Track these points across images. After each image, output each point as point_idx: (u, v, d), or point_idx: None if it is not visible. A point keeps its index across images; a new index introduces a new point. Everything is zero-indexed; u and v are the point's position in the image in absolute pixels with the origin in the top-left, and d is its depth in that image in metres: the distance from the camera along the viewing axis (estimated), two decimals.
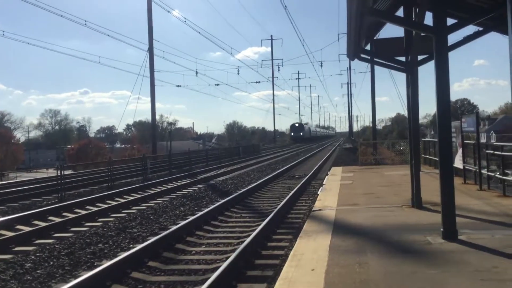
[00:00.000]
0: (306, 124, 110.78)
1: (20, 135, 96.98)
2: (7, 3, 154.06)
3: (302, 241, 7.08)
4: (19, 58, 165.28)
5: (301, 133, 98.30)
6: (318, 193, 12.99)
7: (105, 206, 13.50)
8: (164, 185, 19.03)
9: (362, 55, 10.42)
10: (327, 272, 5.39)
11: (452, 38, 10.42)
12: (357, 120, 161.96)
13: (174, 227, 9.27)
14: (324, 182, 15.52)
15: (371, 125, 40.94)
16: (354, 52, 10.01)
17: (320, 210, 9.81)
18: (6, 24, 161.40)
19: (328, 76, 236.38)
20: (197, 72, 45.70)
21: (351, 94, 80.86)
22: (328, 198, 11.38)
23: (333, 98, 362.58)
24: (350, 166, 22.71)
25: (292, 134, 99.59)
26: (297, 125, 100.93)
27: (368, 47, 10.65)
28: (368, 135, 67.78)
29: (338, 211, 9.50)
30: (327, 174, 18.63)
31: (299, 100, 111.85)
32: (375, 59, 10.88)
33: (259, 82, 69.33)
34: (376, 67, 31.65)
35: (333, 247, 6.57)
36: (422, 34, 8.53)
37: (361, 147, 27.83)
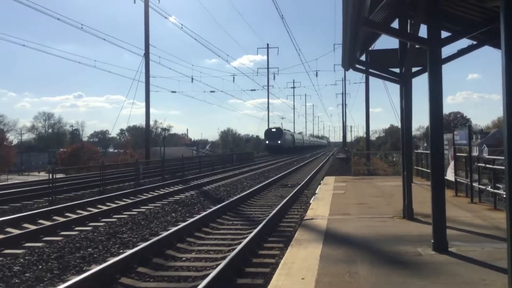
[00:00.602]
0: (288, 130, 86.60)
1: (12, 138, 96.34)
2: (3, 5, 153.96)
3: (293, 250, 7.07)
4: (14, 60, 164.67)
5: (279, 141, 74.60)
6: (311, 202, 12.98)
7: (96, 210, 13.41)
8: (156, 191, 18.95)
9: (357, 66, 10.48)
10: (317, 281, 5.38)
11: (446, 51, 10.52)
12: (351, 130, 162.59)
13: (165, 233, 9.22)
14: (316, 191, 15.52)
15: (365, 135, 41.12)
16: (349, 62, 10.06)
17: (312, 219, 9.80)
18: (1, 26, 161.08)
19: (323, 85, 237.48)
20: (192, 79, 45.72)
21: (345, 104, 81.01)
22: (320, 207, 11.38)
23: (328, 107, 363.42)
24: (343, 176, 22.75)
25: (267, 142, 77.02)
26: (273, 130, 76.84)
27: (363, 58, 10.72)
28: (362, 146, 68.14)
29: (330, 221, 9.50)
30: (320, 184, 18.63)
31: (293, 109, 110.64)
32: (370, 70, 10.94)
33: (255, 90, 69.74)
34: (371, 78, 31.87)
35: (324, 256, 6.56)
36: (417, 46, 8.60)
37: (354, 157, 27.99)
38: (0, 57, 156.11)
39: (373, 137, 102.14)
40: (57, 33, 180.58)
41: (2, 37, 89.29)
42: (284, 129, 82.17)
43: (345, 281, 5.37)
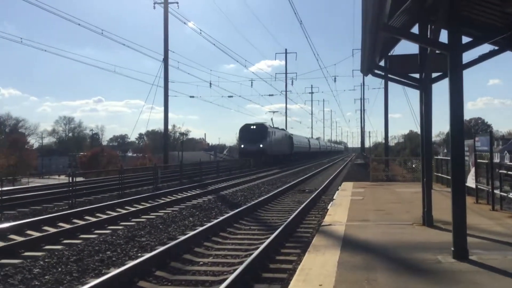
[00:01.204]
0: (281, 129, 58.74)
1: (34, 141, 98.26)
2: (25, 11, 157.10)
3: (311, 256, 7.03)
4: (35, 64, 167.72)
5: (261, 145, 47.57)
6: (328, 207, 12.91)
7: (115, 214, 13.56)
8: (174, 195, 19.06)
9: (376, 71, 10.42)
10: None
11: (467, 56, 10.38)
12: (369, 136, 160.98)
13: (183, 237, 9.28)
14: (334, 197, 15.44)
15: (383, 141, 40.75)
16: (368, 68, 10.01)
17: (329, 225, 9.75)
18: (24, 31, 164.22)
19: (342, 91, 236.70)
20: (210, 84, 45.78)
21: (364, 110, 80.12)
22: (338, 213, 11.31)
23: (346, 113, 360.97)
24: (361, 182, 22.57)
25: (242, 146, 50.02)
26: (253, 127, 49.60)
27: (382, 63, 10.65)
28: (380, 152, 67.46)
29: (348, 227, 9.43)
30: (337, 189, 18.52)
31: (311, 114, 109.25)
32: (389, 75, 10.87)
33: (272, 95, 68.83)
34: (390, 83, 31.62)
35: (342, 262, 6.51)
36: (437, 51, 8.51)
37: (372, 163, 27.75)
38: (22, 62, 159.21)
39: (391, 142, 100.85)
40: (77, 38, 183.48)
41: (24, 42, 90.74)
42: (273, 127, 54.77)
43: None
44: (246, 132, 49.60)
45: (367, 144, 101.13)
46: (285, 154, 58.28)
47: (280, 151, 55.16)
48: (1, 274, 7.24)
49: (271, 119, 63.31)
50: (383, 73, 11.09)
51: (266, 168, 41.56)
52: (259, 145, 47.57)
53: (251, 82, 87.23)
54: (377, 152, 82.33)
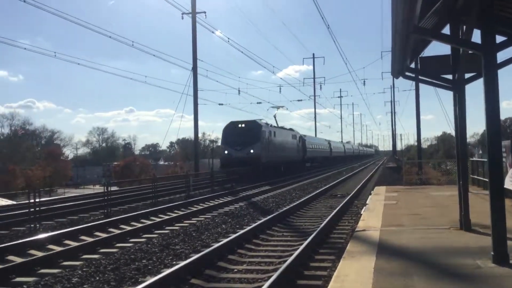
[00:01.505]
0: (284, 129, 44.82)
1: (68, 152, 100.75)
2: (58, 25, 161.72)
3: (346, 262, 6.96)
4: (69, 77, 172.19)
5: (252, 151, 34.82)
6: (361, 213, 12.77)
7: (149, 222, 13.75)
8: (206, 203, 19.20)
9: (407, 73, 10.26)
10: None
11: (501, 56, 10.14)
12: (401, 139, 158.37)
13: (216, 245, 9.33)
14: (367, 202, 15.25)
15: (415, 143, 40.03)
16: (398, 70, 9.88)
17: (363, 230, 9.63)
18: (57, 46, 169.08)
19: (371, 94, 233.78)
20: (239, 91, 45.93)
21: (394, 112, 78.76)
22: (371, 218, 11.17)
23: (376, 116, 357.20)
24: (394, 186, 22.22)
25: (225, 152, 35.85)
26: (241, 127, 36.07)
27: (413, 65, 10.51)
28: (413, 154, 66.16)
29: (383, 232, 9.30)
30: (370, 194, 18.29)
31: (341, 118, 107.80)
32: (420, 77, 10.69)
33: (301, 100, 68.93)
34: (421, 85, 31.09)
35: (378, 269, 6.42)
36: (470, 51, 8.34)
37: (405, 166, 27.25)
38: (55, 75, 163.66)
39: (424, 145, 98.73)
40: (108, 50, 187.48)
41: (58, 56, 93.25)
42: (276, 126, 41.71)
43: None
44: (231, 133, 35.42)
45: (398, 147, 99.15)
46: (293, 162, 44.16)
47: (283, 157, 40.99)
48: (41, 284, 7.42)
49: (274, 116, 44.75)
50: (414, 75, 10.92)
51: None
52: (249, 150, 34.19)
53: (279, 88, 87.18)
54: (410, 154, 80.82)
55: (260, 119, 39.28)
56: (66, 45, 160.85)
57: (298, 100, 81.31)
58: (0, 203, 21.76)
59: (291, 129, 46.86)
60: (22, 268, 8.40)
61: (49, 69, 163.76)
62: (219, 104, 50.73)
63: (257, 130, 35.50)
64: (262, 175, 33.08)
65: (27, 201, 15.97)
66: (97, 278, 7.78)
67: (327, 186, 26.11)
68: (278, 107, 46.54)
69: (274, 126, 40.71)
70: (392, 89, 75.36)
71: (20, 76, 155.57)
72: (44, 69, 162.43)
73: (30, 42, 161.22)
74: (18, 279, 7.94)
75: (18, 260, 9.15)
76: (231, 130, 35.90)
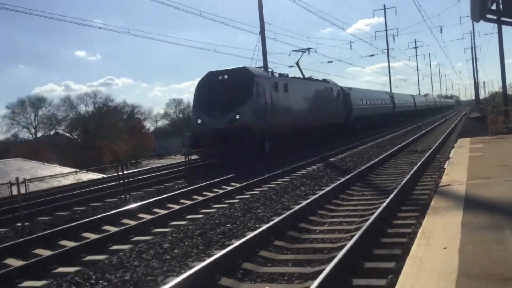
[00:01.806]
0: (308, 80, 30.38)
1: (149, 125, 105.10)
2: (129, 3, 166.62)
3: (430, 218, 6.79)
4: (142, 52, 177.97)
5: (237, 117, 20.25)
6: (445, 167, 12.28)
7: (230, 188, 14.17)
8: (285, 166, 19.28)
9: (488, 16, 9.56)
10: (461, 251, 5.11)
11: None
12: (484, 87, 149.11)
13: (297, 207, 9.44)
14: (450, 155, 14.63)
15: (501, 90, 37.47)
16: (479, 13, 9.22)
17: (448, 185, 9.29)
18: (130, 23, 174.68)
19: (449, 41, 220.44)
20: (309, 51, 45.22)
21: (476, 59, 74.17)
22: (456, 172, 10.72)
23: (456, 64, 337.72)
24: (479, 137, 21.06)
25: (198, 122, 21.54)
26: (222, 79, 21.48)
27: (494, 6, 9.74)
28: (498, 102, 62.07)
29: (469, 186, 8.91)
30: (453, 147, 17.52)
31: (417, 70, 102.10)
32: (503, 19, 9.93)
33: (373, 55, 66.55)
34: (505, 27, 28.81)
35: (466, 224, 6.19)
36: None
37: (490, 115, 25.75)
38: (130, 52, 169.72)
39: (510, 91, 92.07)
40: (177, 22, 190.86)
41: (131, 32, 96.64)
42: (278, 74, 26.33)
43: (492, 249, 5.03)
44: (208, 89, 21.92)
45: (482, 95, 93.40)
46: (329, 125, 30.83)
47: (308, 122, 27.39)
48: (135, 251, 7.95)
49: (297, 63, 32.54)
50: (496, 17, 10.14)
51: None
52: (232, 116, 20.79)
53: (350, 44, 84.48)
54: (495, 102, 75.80)
55: (260, 67, 26.77)
56: (137, 21, 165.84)
57: (370, 56, 78.30)
58: (92, 177, 23.30)
59: (325, 80, 34.09)
60: (117, 237, 9.03)
61: (123, 46, 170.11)
62: (289, 67, 50.18)
63: (248, 82, 21.48)
64: (264, 154, 21.72)
65: (115, 174, 17.01)
66: (186, 243, 8.18)
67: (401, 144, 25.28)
68: (303, 51, 32.68)
69: (293, 77, 28.39)
70: (472, 34, 70.64)
71: (98, 55, 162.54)
72: (119, 47, 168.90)
73: (103, 21, 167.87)
74: (114, 247, 8.53)
75: (113, 229, 9.83)
76: (207, 85, 22.11)
